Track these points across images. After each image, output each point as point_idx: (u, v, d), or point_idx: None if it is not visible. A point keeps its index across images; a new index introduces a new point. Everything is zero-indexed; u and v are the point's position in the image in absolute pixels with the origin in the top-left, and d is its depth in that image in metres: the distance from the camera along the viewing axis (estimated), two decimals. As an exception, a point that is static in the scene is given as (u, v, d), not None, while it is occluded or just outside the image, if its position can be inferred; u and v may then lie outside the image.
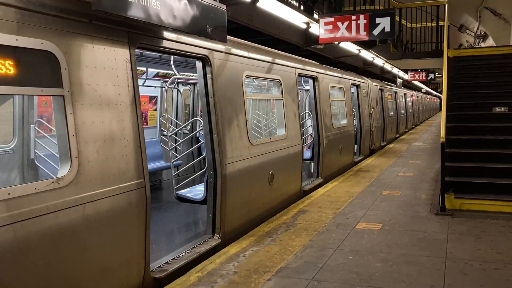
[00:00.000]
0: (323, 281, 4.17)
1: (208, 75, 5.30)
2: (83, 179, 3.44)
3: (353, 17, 8.03)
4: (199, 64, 5.30)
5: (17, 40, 3.03)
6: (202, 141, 7.22)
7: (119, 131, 3.83)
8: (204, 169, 5.58)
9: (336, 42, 9.06)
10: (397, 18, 11.95)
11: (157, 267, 4.43)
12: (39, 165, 5.95)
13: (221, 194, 5.33)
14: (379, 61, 14.51)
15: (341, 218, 6.32)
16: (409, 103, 24.91)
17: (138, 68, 6.97)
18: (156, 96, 9.17)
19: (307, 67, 8.76)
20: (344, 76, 11.49)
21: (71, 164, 3.37)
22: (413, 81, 24.51)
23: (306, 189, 8.25)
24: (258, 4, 6.68)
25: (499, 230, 5.67)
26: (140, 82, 7.65)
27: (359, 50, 11.44)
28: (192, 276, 4.31)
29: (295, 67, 8.00)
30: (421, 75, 22.44)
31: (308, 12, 9.61)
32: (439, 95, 46.12)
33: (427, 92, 42.81)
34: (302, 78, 9.74)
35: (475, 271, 4.38)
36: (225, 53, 5.64)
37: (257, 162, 6.21)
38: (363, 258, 4.74)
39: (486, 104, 8.72)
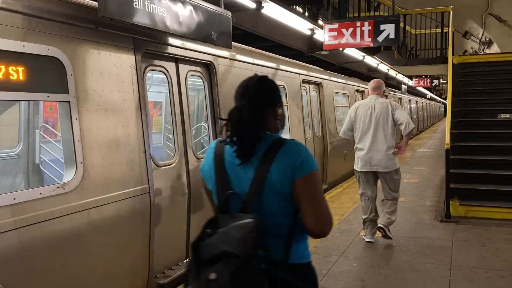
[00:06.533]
0: (327, 288, 4.16)
1: (213, 81, 5.32)
2: (88, 185, 3.45)
3: (358, 24, 8.02)
4: (204, 71, 5.32)
5: (24, 46, 3.05)
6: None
7: (124, 136, 3.84)
8: None
9: (341, 49, 9.06)
10: (401, 25, 11.94)
11: (161, 273, 4.43)
12: (44, 170, 5.96)
13: None
14: (383, 67, 14.50)
15: (345, 225, 6.29)
16: (414, 109, 24.84)
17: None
18: (161, 102, 9.19)
19: (312, 73, 8.76)
20: (349, 82, 11.48)
21: (76, 170, 3.37)
22: (417, 87, 24.46)
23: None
24: (263, 11, 6.70)
25: (504, 238, 5.64)
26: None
27: (363, 56, 11.43)
28: (196, 282, 4.29)
29: (299, 73, 8.01)
30: (425, 81, 22.37)
31: (312, 19, 9.64)
32: (444, 101, 46.01)
33: (431, 98, 42.69)
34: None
35: (481, 279, 4.35)
36: (230, 59, 5.66)
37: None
38: (367, 265, 4.72)
39: (491, 111, 8.67)
